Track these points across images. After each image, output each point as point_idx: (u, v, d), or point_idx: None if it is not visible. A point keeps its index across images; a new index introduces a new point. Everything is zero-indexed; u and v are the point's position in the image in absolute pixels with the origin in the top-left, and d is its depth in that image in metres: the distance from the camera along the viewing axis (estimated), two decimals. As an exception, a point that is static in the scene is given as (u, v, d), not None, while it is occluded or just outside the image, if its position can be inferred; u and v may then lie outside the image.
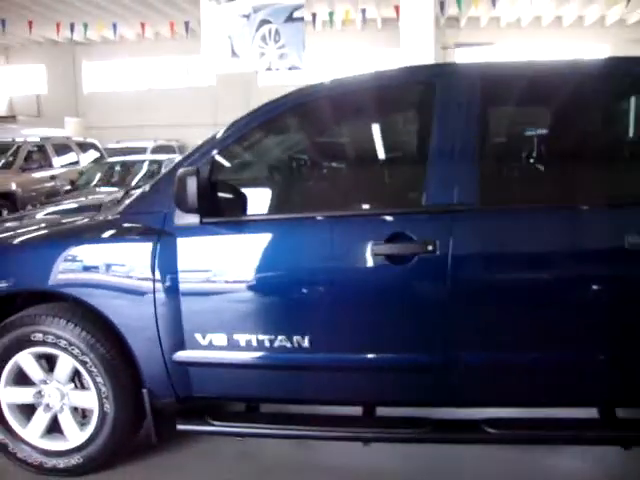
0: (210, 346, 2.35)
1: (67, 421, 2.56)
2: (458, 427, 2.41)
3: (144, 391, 2.45)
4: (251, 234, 2.35)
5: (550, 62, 2.51)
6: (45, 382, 2.56)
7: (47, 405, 2.57)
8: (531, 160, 2.50)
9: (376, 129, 2.63)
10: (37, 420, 2.58)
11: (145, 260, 2.35)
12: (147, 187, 2.56)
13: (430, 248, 2.19)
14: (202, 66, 8.28)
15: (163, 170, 2.38)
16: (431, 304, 2.27)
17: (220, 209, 2.32)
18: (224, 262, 2.36)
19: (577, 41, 18.33)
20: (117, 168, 10.50)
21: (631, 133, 2.55)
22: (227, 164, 2.54)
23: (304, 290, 2.32)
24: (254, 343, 2.32)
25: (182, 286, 2.34)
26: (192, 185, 2.15)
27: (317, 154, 2.79)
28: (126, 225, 2.45)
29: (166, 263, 2.34)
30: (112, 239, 2.44)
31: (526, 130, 2.50)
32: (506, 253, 2.26)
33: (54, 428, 2.60)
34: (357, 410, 2.53)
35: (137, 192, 2.63)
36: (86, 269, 2.42)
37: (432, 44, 6.43)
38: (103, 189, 9.27)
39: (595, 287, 2.24)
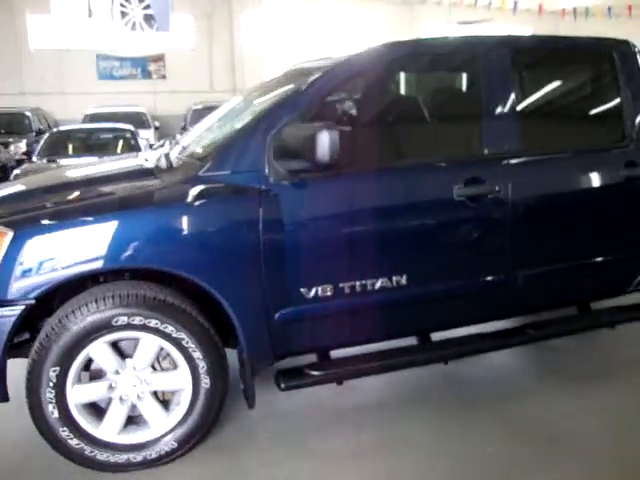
0: (316, 298, 2.37)
1: (150, 408, 2.33)
2: (510, 334, 2.87)
3: (244, 356, 2.35)
4: (349, 185, 2.41)
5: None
6: (117, 372, 2.27)
7: (120, 397, 2.29)
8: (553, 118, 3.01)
9: (450, 92, 2.85)
10: (113, 415, 2.29)
11: (250, 220, 2.24)
12: (224, 147, 2.37)
13: (497, 188, 2.57)
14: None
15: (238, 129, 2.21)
16: (499, 233, 2.64)
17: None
18: (327, 214, 2.39)
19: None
20: None
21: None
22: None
23: (402, 231, 2.49)
24: (358, 289, 2.42)
25: (288, 243, 2.30)
26: (334, 140, 2.13)
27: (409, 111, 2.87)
28: (217, 187, 2.28)
29: (271, 221, 2.27)
30: (206, 202, 2.25)
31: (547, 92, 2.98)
32: (546, 189, 2.74)
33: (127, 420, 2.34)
34: (411, 340, 2.82)
35: (209, 153, 2.43)
36: (180, 238, 2.20)
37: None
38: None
39: (599, 210, 2.89)
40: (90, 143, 9.46)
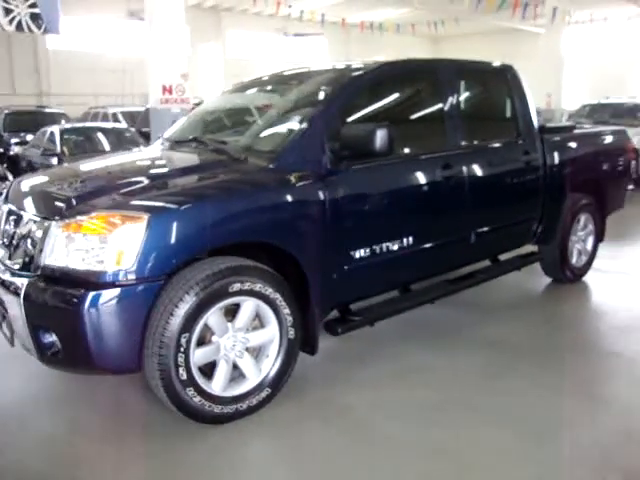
0: (360, 258, 3.05)
1: (247, 363, 2.76)
2: (464, 278, 3.87)
3: (316, 310, 2.92)
4: (382, 171, 3.14)
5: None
6: (221, 335, 2.67)
7: (224, 357, 2.69)
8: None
9: (429, 102, 3.69)
10: (220, 373, 2.68)
11: (319, 200, 2.83)
12: (291, 141, 2.91)
13: (459, 170, 3.53)
14: None
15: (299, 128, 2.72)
16: (463, 204, 3.59)
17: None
18: (367, 193, 3.07)
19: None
20: None
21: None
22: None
23: (411, 204, 3.29)
24: (384, 249, 3.16)
25: (343, 215, 2.93)
26: (391, 135, 2.83)
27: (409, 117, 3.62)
28: (290, 174, 2.80)
29: (332, 199, 2.87)
30: (286, 187, 2.76)
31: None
32: (481, 171, 3.74)
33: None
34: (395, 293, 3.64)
35: (277, 145, 2.96)
36: (274, 217, 2.71)
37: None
38: None
39: (513, 185, 4.00)
40: None
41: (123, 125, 10.88)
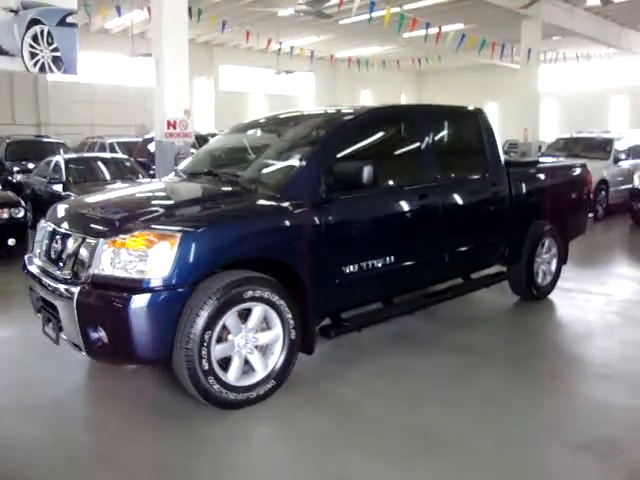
0: (349, 273, 3.62)
1: (256, 359, 3.29)
2: (439, 293, 4.46)
3: (313, 316, 3.47)
4: (365, 200, 3.72)
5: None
6: (235, 335, 3.21)
7: (239, 353, 3.22)
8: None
9: (409, 141, 4.33)
10: (235, 366, 3.21)
11: (313, 224, 3.40)
12: (293, 175, 3.52)
13: (434, 200, 4.13)
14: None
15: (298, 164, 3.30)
16: (438, 229, 4.19)
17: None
18: (354, 219, 3.67)
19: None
20: None
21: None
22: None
23: (392, 228, 3.88)
24: (370, 266, 3.73)
25: (335, 236, 3.51)
26: (376, 171, 3.42)
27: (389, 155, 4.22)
28: (293, 202, 3.38)
29: (327, 223, 3.45)
30: (291, 213, 3.34)
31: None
32: (454, 200, 4.36)
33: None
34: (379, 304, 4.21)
35: (278, 180, 3.55)
36: (281, 237, 3.29)
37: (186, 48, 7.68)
38: None
39: (482, 212, 4.63)
40: None
41: (123, 155, 11.44)
